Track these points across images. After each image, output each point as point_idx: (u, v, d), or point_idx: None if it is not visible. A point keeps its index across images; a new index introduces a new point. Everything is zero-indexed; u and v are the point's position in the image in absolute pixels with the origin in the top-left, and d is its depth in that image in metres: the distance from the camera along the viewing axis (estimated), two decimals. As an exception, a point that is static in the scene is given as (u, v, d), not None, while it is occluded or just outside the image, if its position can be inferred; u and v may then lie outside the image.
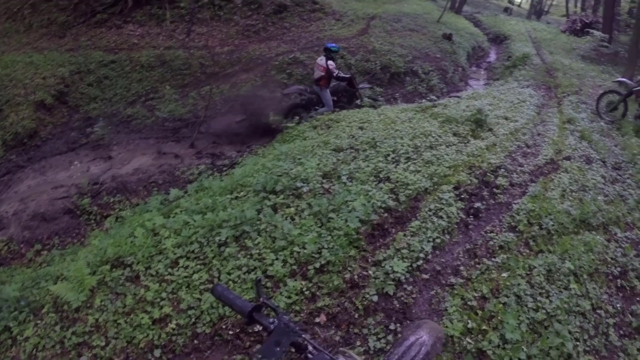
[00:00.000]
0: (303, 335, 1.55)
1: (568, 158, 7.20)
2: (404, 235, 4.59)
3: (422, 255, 4.35)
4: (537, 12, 40.02)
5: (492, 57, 21.38)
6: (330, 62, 9.33)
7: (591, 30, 22.18)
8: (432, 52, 15.50)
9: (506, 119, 8.86)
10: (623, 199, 6.17)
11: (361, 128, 7.40)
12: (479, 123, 7.92)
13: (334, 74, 9.43)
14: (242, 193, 5.13)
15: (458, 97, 11.13)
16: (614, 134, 9.13)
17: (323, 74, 9.41)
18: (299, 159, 5.92)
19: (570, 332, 3.64)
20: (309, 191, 5.06)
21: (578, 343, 3.61)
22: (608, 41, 20.57)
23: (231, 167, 7.73)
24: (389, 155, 6.20)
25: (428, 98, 10.11)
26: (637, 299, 4.30)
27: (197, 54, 12.26)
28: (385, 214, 4.85)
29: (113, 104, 10.59)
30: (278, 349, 1.49)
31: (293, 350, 1.57)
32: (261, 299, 1.67)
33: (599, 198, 5.92)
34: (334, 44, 9.75)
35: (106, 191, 7.37)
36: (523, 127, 8.48)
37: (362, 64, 13.26)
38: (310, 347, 1.55)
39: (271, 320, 1.60)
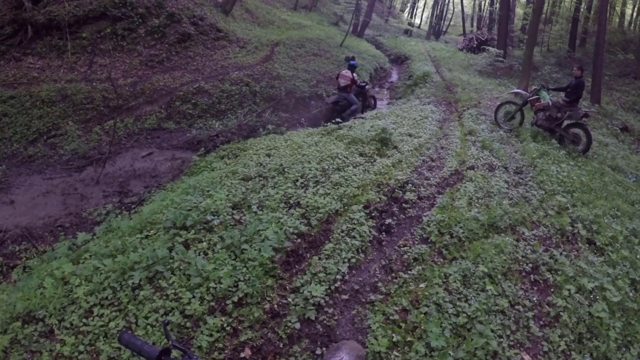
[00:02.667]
0: None
1: (472, 167, 7.93)
2: (319, 258, 4.82)
3: (339, 276, 4.60)
4: (435, 32, 43.43)
5: (394, 77, 22.94)
6: (354, 74, 13.00)
7: (487, 47, 24.51)
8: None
9: (410, 135, 9.59)
10: (527, 200, 6.88)
11: (268, 155, 7.68)
12: (384, 142, 8.50)
13: (358, 83, 13.24)
14: (152, 231, 5.10)
15: (362, 117, 11.81)
16: (513, 141, 10.16)
17: (349, 82, 12.92)
18: (208, 191, 6.03)
19: (492, 331, 4.02)
20: (220, 224, 5.16)
21: (502, 340, 3.99)
22: (503, 56, 22.85)
23: (139, 204, 7.65)
24: (297, 180, 6.49)
25: (333, 121, 10.61)
26: (552, 290, 4.81)
27: (100, 86, 12.06)
28: (299, 240, 5.05)
29: (13, 143, 10.11)
30: None
31: None
32: (170, 342, 1.73)
33: (504, 202, 6.56)
34: (354, 61, 13.57)
35: (11, 239, 6.99)
36: (427, 142, 9.24)
37: (267, 91, 13.78)
38: None
39: None
